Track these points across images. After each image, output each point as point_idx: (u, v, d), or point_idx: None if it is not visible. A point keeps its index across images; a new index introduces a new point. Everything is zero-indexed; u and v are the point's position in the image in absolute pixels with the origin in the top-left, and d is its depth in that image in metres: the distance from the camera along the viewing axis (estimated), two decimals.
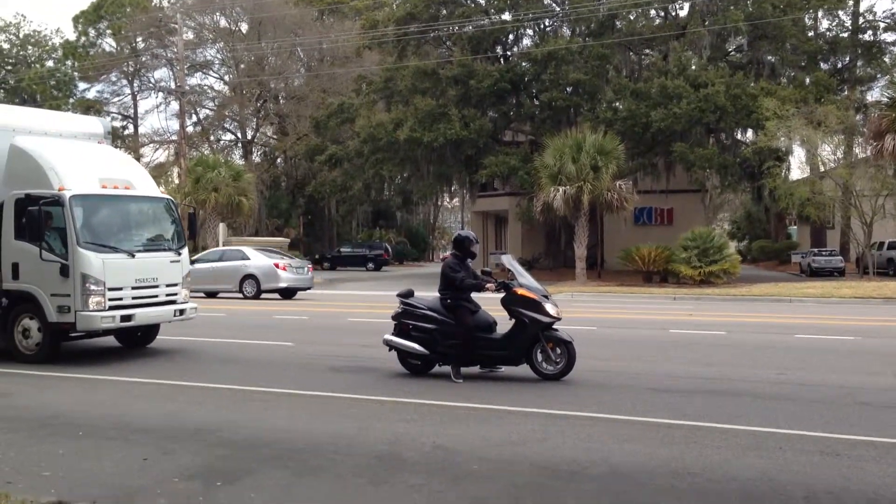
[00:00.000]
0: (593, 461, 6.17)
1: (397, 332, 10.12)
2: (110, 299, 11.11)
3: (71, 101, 59.87)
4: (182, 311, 12.28)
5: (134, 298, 11.52)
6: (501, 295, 9.85)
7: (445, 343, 9.75)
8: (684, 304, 23.18)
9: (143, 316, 11.68)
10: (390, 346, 10.13)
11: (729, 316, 18.71)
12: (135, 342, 13.04)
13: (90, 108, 55.81)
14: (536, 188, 32.20)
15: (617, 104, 35.13)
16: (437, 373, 10.01)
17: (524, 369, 9.76)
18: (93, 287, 10.92)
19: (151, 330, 12.94)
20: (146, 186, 12.52)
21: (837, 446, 6.56)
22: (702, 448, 6.53)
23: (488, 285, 9.81)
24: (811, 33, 38.46)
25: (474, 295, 10.01)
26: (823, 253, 38.18)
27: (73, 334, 11.57)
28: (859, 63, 38.62)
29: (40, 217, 10.89)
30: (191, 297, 12.90)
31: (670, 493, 5.42)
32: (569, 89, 35.70)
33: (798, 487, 5.48)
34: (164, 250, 12.24)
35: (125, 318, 11.30)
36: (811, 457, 6.27)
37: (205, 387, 9.58)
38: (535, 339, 9.61)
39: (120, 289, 11.28)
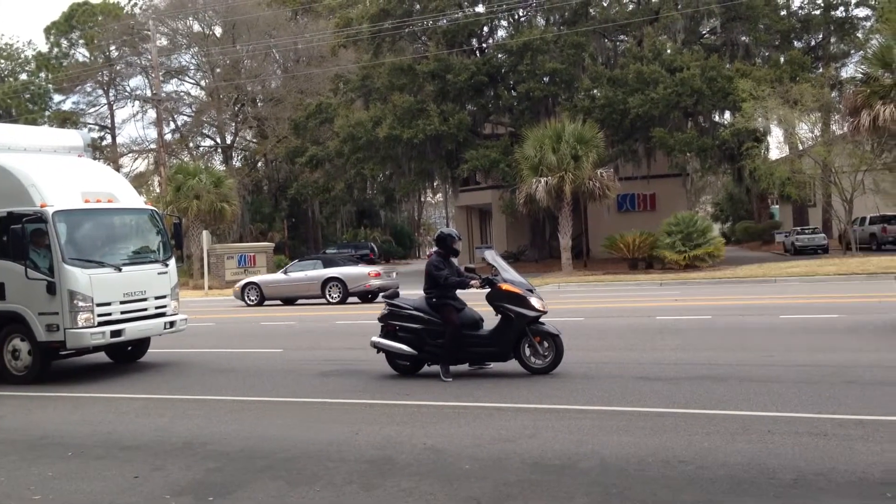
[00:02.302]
0: (584, 454, 6.20)
1: (384, 334, 10.13)
2: (99, 315, 11.02)
3: (47, 113, 59.39)
4: (172, 324, 12.22)
5: (123, 313, 11.44)
6: (486, 291, 9.88)
7: (433, 342, 9.76)
8: (670, 289, 23.30)
9: (133, 330, 11.60)
10: (378, 348, 10.13)
11: (715, 300, 18.82)
12: (126, 357, 12.95)
13: (66, 120, 55.42)
14: (518, 180, 32.24)
15: (594, 92, 35.24)
16: (426, 372, 10.03)
17: (513, 364, 9.78)
18: (81, 304, 10.82)
19: (142, 344, 12.85)
20: (129, 198, 12.44)
21: (825, 427, 6.61)
22: (691, 435, 6.57)
23: (473, 282, 9.83)
24: (783, 12, 38.69)
25: (459, 292, 10.04)
26: (806, 231, 38.47)
27: (63, 352, 11.47)
28: (832, 40, 38.91)
29: (24, 235, 10.76)
30: None
31: (660, 482, 5.45)
32: (545, 79, 35.78)
33: (787, 470, 5.53)
34: (151, 262, 12.16)
35: (115, 334, 11.23)
36: (799, 438, 6.32)
37: (195, 399, 9.56)
38: (521, 334, 9.63)
39: (108, 304, 11.19)
